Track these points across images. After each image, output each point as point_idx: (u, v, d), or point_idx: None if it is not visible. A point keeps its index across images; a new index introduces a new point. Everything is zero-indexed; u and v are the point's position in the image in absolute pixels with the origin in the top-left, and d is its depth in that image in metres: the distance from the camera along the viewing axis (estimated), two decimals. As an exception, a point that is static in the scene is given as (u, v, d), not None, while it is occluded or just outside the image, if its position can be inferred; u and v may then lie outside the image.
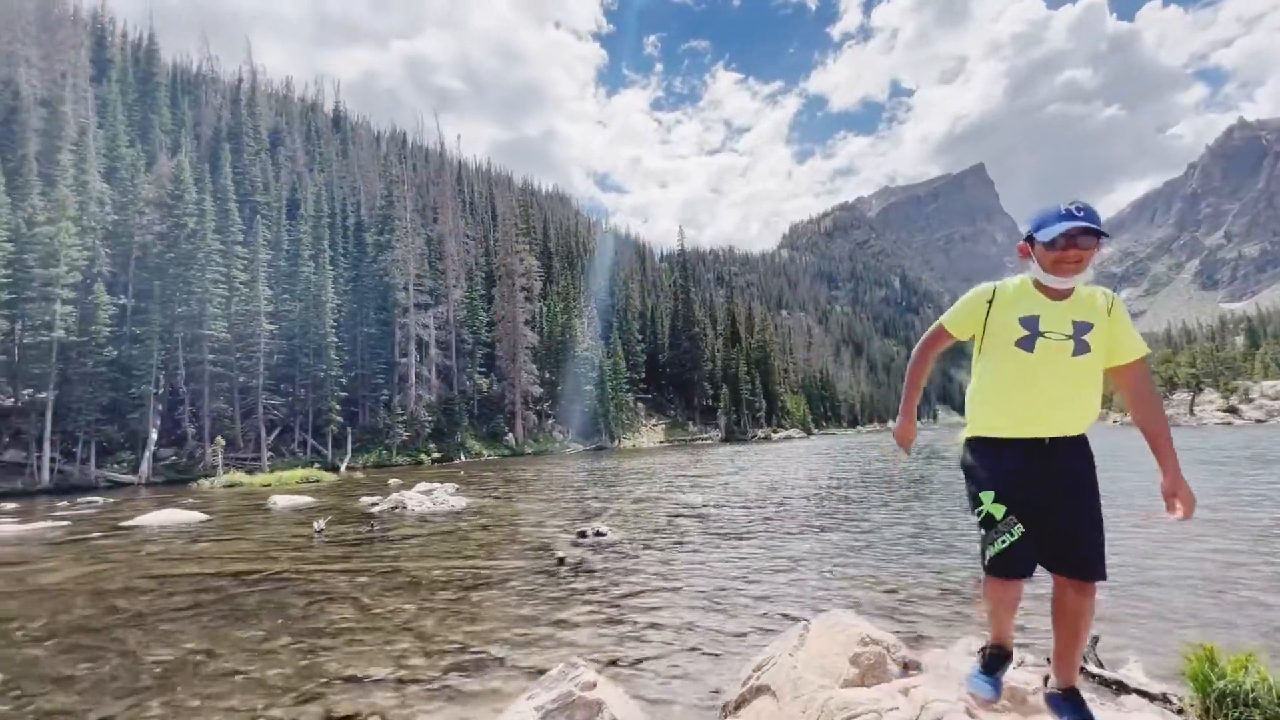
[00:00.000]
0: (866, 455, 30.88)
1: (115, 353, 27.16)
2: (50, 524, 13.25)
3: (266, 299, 32.50)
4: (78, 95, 38.59)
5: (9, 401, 24.91)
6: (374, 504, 14.71)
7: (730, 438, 66.50)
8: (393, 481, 22.01)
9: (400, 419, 37.86)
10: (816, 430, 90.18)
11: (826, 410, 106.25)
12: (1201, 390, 65.07)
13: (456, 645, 5.07)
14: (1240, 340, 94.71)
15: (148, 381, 27.29)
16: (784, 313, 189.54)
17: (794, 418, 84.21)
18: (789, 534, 9.69)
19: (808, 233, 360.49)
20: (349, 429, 35.29)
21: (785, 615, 5.57)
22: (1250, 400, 58.75)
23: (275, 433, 33.30)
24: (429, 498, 14.53)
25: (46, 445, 24.30)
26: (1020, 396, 2.27)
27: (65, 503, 18.60)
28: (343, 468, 32.13)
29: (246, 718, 3.85)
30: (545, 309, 56.27)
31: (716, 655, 4.68)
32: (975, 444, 2.44)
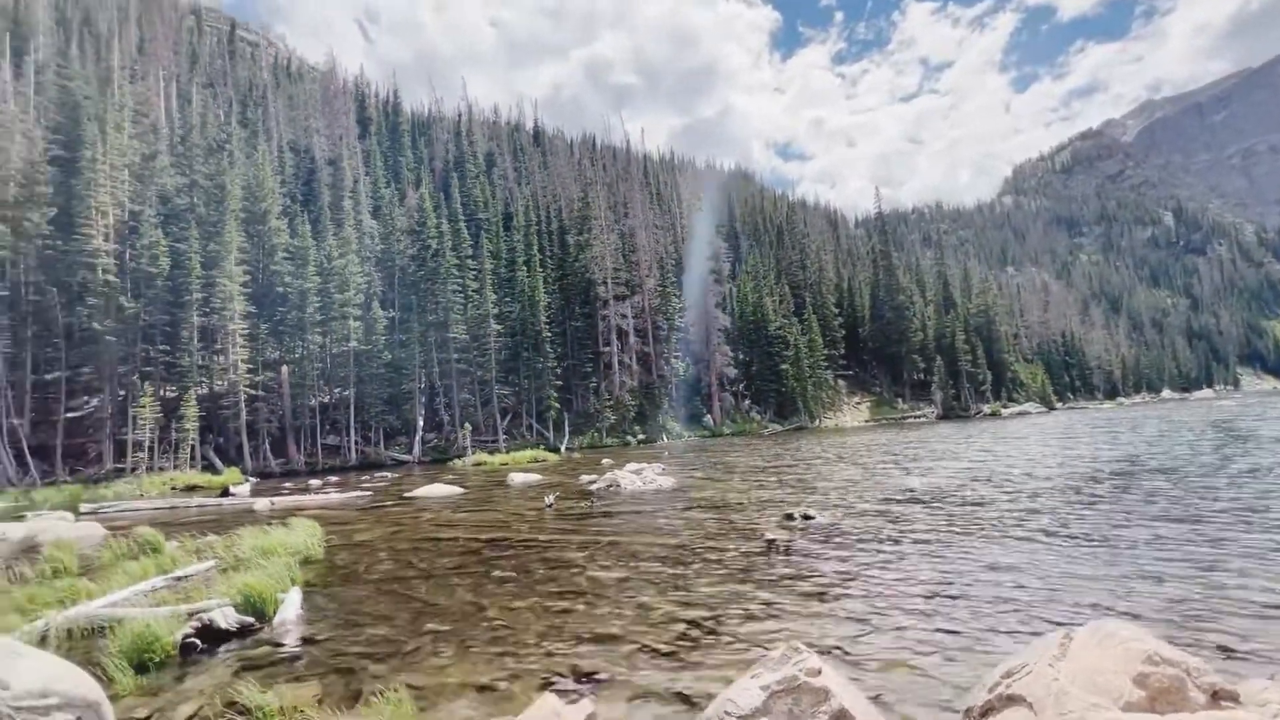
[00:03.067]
0: (1136, 434, 25.55)
1: (389, 356, 33.56)
2: (358, 493, 16.91)
3: (493, 302, 37.38)
4: (350, 151, 48.06)
5: (326, 398, 32.26)
6: (592, 482, 16.16)
7: (948, 415, 59.90)
8: (605, 461, 23.92)
9: (607, 404, 40.96)
10: (1060, 403, 76.91)
11: (1072, 379, 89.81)
12: None
13: (676, 617, 5.38)
14: None
15: (413, 379, 33.28)
16: (1010, 269, 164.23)
17: (1029, 390, 72.76)
18: (1031, 526, 8.47)
19: (1037, 172, 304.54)
20: (565, 414, 39.18)
21: (1032, 619, 4.91)
22: None
23: (507, 419, 38.31)
24: (639, 477, 15.52)
25: (352, 431, 31.03)
26: None
27: (367, 476, 23.59)
28: (562, 448, 35.78)
29: (514, 662, 4.55)
30: (735, 290, 56.14)
31: (946, 654, 4.31)
32: None
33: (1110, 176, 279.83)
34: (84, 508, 15.58)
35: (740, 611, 5.46)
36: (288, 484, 22.22)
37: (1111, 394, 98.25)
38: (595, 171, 66.59)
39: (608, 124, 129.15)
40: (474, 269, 38.10)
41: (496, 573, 7.35)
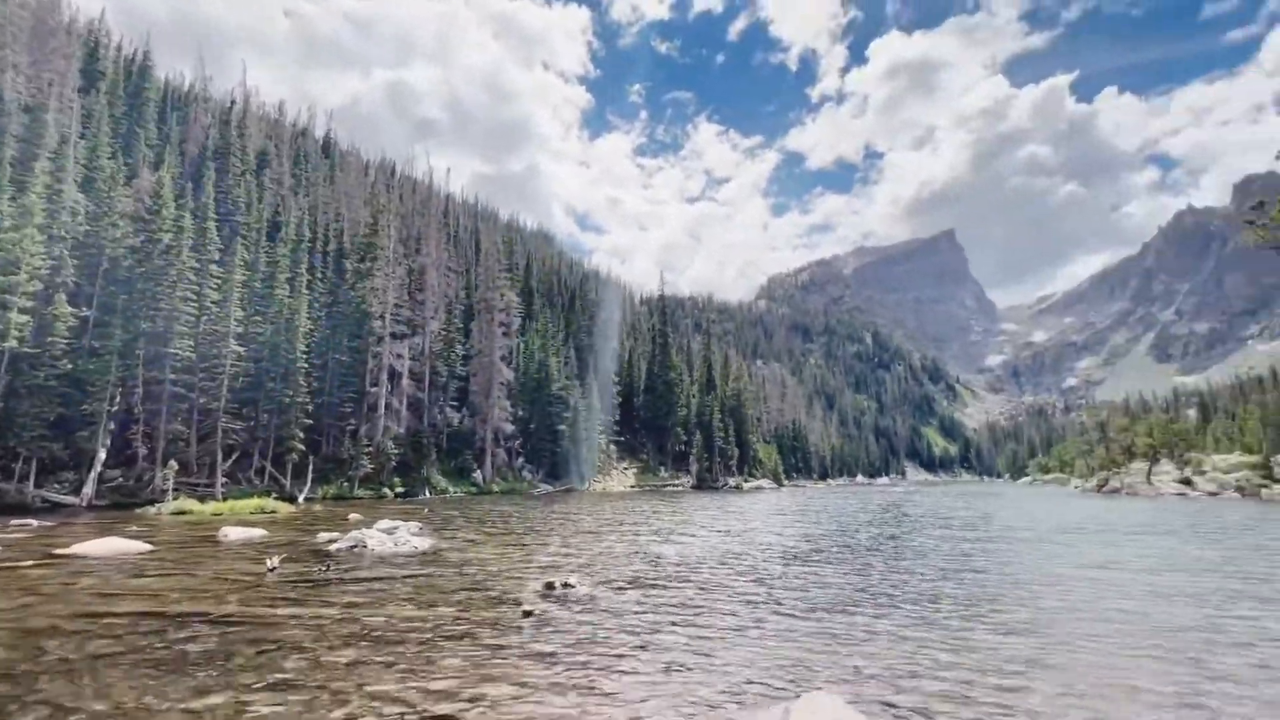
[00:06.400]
0: (844, 510, 30.84)
1: (70, 366, 26.02)
2: (-23, 549, 12.35)
3: (237, 320, 31.71)
4: (63, 104, 38.07)
5: (-52, 412, 23.52)
6: (332, 541, 14.07)
7: (701, 485, 65.99)
8: (353, 517, 21.19)
9: (365, 450, 36.75)
10: (787, 481, 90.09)
11: (798, 461, 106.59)
12: (1158, 460, 67.00)
13: (414, 706, 4.76)
14: (1193, 414, 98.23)
15: (102, 398, 26.15)
16: (759, 362, 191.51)
17: (765, 467, 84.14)
18: (769, 596, 9.50)
19: (785, 285, 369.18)
20: (311, 458, 34.07)
21: (764, 686, 5.38)
22: (1203, 473, 60.48)
23: (233, 458, 31.97)
24: (390, 537, 13.97)
25: (-17, 460, 22.89)
26: None
27: (-4, 524, 17.41)
28: (301, 498, 30.91)
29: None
30: (523, 345, 56.02)
31: (690, 731, 4.47)
32: None
33: (834, 299, 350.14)
34: None
35: (487, 697, 5.05)
36: None
37: (824, 475, 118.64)
38: (390, 199, 62.42)
39: (410, 154, 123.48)
40: (219, 277, 32.15)
41: (181, 661, 5.81)
